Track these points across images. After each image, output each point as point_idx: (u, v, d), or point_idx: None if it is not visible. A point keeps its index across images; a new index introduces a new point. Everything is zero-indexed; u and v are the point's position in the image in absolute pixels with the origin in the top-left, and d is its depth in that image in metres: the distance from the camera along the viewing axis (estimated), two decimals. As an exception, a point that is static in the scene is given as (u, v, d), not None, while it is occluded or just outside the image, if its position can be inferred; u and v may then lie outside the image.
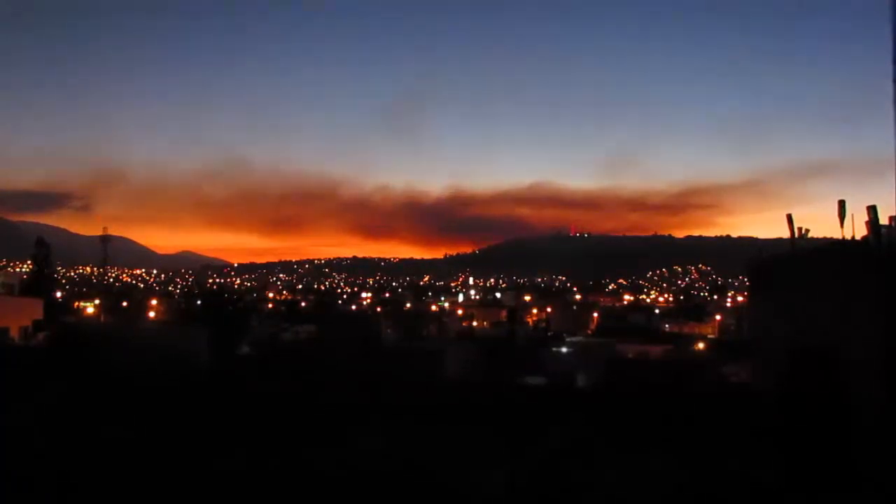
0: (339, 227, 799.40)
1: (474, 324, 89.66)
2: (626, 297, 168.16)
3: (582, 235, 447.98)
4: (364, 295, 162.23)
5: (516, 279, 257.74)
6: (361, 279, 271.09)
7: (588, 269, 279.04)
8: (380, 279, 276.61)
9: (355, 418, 9.90)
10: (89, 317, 73.42)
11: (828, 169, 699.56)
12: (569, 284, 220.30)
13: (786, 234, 11.25)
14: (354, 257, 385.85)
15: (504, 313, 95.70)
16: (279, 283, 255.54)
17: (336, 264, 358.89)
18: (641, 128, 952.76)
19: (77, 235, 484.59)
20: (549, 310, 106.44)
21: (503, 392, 14.93)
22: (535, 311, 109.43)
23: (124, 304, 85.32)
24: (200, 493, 7.01)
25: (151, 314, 71.57)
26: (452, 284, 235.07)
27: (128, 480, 7.20)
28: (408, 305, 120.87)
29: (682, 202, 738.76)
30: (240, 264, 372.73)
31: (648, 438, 8.92)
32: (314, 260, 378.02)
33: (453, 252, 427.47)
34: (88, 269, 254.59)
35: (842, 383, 8.60)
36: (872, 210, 9.04)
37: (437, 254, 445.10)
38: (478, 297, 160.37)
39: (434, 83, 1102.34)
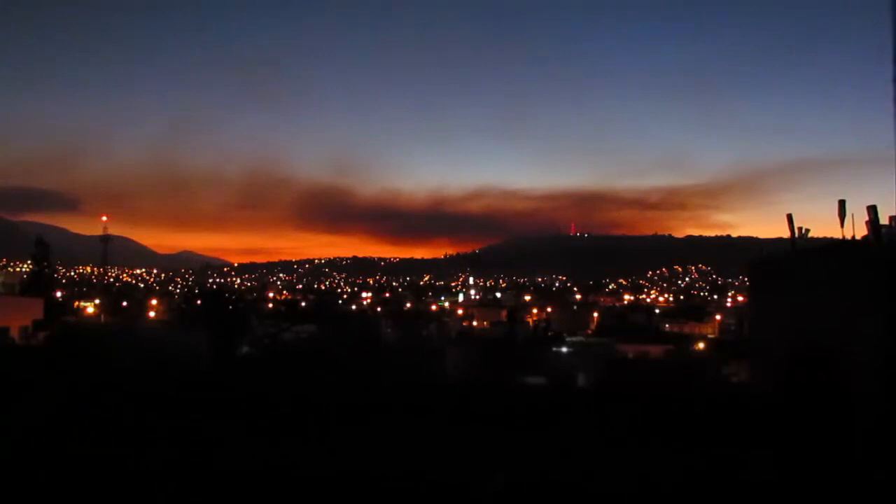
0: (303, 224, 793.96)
1: (474, 324, 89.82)
2: (626, 297, 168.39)
3: (582, 235, 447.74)
4: (364, 295, 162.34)
5: (516, 279, 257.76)
6: (361, 279, 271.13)
7: (588, 269, 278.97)
8: (380, 279, 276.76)
9: (355, 418, 9.92)
10: (89, 316, 73.51)
11: (828, 169, 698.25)
12: (569, 284, 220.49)
13: (786, 234, 11.25)
14: (354, 257, 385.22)
15: (504, 313, 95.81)
16: (279, 283, 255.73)
17: (336, 264, 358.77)
18: (636, 125, 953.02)
19: (77, 235, 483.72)
20: (549, 310, 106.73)
21: (503, 392, 14.94)
22: (535, 310, 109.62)
23: (124, 303, 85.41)
24: (201, 494, 7.02)
25: (151, 314, 71.65)
26: (452, 284, 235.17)
27: (128, 481, 7.21)
28: (408, 305, 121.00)
29: (682, 202, 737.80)
30: (240, 264, 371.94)
31: (649, 438, 8.94)
32: (314, 260, 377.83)
33: (453, 252, 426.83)
34: (88, 268, 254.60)
35: (842, 384, 8.61)
36: (872, 210, 9.06)
37: (435, 253, 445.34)
38: (478, 297, 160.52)
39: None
